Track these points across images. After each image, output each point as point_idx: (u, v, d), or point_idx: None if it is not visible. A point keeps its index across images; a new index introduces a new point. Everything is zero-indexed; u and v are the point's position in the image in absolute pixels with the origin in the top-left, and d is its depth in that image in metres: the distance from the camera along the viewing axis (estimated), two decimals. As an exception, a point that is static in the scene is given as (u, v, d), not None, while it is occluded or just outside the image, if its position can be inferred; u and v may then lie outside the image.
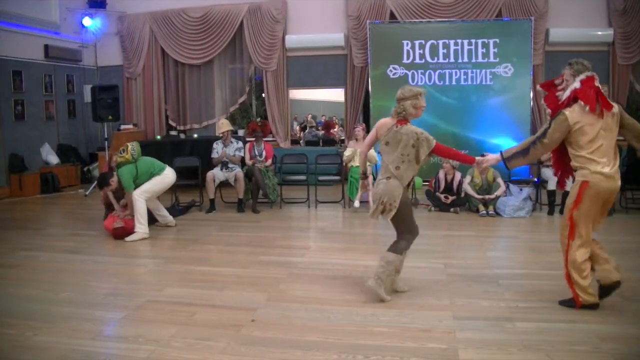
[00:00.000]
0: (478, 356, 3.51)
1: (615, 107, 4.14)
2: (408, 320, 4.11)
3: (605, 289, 4.24)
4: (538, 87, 5.01)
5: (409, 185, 4.58)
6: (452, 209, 8.24)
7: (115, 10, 12.09)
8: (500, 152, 4.48)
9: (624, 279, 4.25)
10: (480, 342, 3.72)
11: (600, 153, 4.05)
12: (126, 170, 6.82)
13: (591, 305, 4.19)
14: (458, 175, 8.36)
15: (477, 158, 4.68)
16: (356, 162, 8.42)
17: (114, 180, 6.97)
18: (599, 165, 4.04)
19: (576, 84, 4.15)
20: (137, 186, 6.92)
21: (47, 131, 11.26)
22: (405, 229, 4.59)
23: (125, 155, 6.84)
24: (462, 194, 8.30)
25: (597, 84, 4.15)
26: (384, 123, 4.61)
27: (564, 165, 4.45)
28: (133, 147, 6.93)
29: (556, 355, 3.47)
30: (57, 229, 7.94)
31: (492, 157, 4.58)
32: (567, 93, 4.19)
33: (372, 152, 8.53)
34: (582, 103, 4.05)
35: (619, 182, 4.16)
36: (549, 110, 4.51)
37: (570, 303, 4.26)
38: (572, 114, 4.06)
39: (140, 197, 6.85)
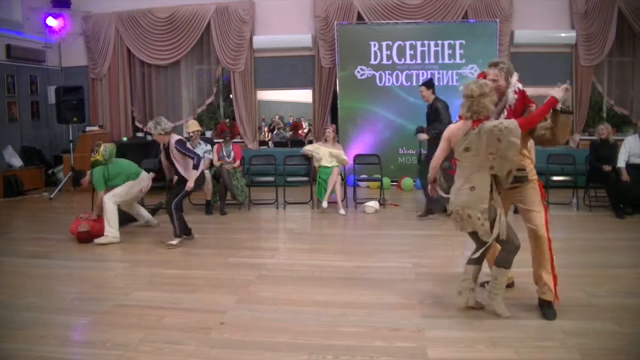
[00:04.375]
0: (447, 354, 3.56)
1: None
2: (377, 320, 4.14)
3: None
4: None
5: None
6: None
7: (80, 10, 11.88)
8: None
9: (587, 275, 4.30)
10: (448, 340, 3.76)
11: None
12: (97, 171, 6.87)
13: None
14: None
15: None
16: (323, 163, 8.43)
17: (85, 180, 7.19)
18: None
19: (519, 85, 4.20)
20: (112, 188, 6.95)
21: (10, 133, 11.00)
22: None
23: (97, 155, 6.87)
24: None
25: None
26: (455, 130, 4.07)
27: None
28: (106, 148, 6.93)
29: (523, 351, 3.54)
30: (22, 232, 7.75)
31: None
32: (514, 96, 4.15)
33: (340, 153, 8.55)
34: (533, 107, 4.15)
35: None
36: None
37: (550, 310, 4.13)
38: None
39: (109, 200, 6.78)
